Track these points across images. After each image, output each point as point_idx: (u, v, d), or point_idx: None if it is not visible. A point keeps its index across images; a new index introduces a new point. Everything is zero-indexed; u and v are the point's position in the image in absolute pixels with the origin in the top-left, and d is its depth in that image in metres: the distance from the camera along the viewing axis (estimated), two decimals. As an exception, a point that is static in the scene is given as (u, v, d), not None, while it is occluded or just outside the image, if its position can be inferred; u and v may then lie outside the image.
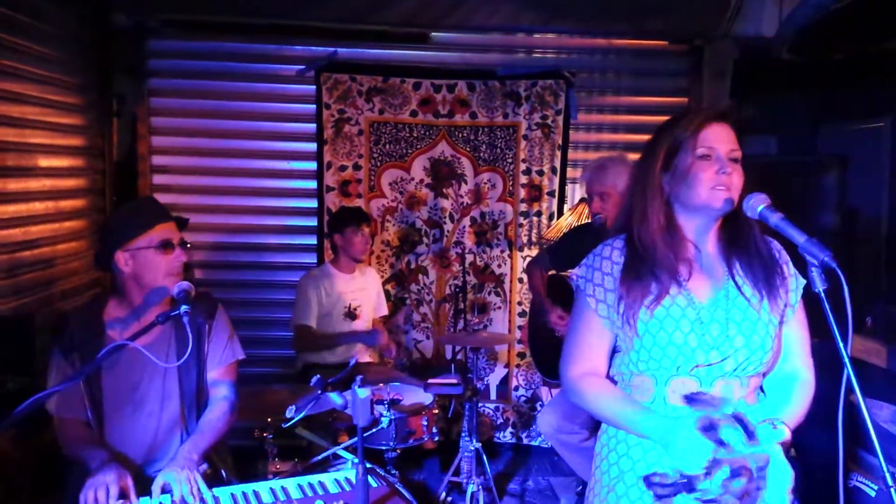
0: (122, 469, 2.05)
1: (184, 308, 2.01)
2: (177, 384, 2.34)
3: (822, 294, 1.43)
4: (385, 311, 4.23)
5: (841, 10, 3.64)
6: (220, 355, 2.44)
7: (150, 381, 2.31)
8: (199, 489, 2.05)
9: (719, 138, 1.65)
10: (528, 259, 4.23)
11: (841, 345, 1.39)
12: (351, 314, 3.91)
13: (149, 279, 2.24)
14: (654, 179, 1.69)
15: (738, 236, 1.72)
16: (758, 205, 1.59)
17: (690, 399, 1.53)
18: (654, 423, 1.61)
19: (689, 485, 1.46)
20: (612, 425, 1.75)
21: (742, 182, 1.64)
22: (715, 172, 1.62)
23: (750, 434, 1.46)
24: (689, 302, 1.66)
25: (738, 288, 1.69)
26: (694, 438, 1.47)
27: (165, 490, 2.04)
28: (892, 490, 1.32)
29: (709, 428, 1.46)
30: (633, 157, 3.50)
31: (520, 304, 4.62)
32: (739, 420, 1.47)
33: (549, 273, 3.68)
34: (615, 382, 1.81)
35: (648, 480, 1.54)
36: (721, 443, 1.44)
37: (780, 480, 1.53)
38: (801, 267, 1.52)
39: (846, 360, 1.39)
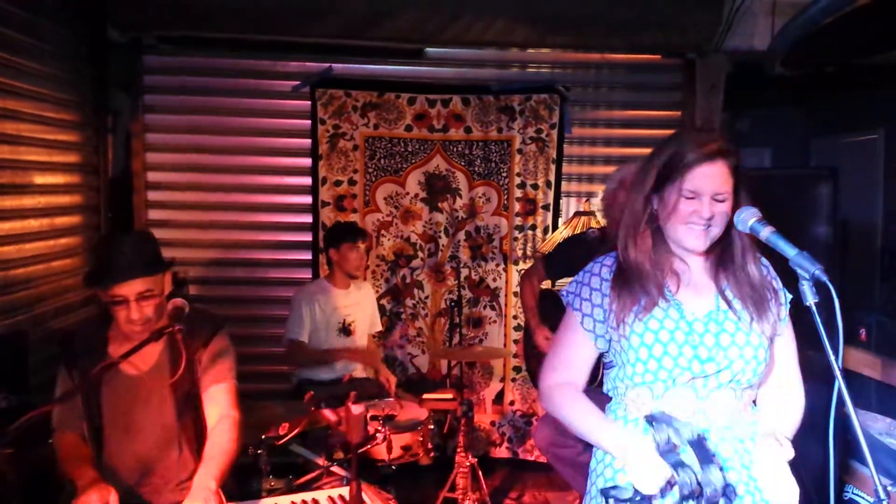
0: (106, 488, 2.04)
1: (176, 326, 2.01)
2: (173, 405, 2.31)
3: (814, 307, 1.43)
4: (379, 326, 4.22)
5: (833, 24, 3.66)
6: (220, 375, 2.39)
7: (146, 404, 2.29)
8: None
9: (707, 180, 1.63)
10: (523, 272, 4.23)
11: (832, 358, 1.38)
12: (345, 329, 3.90)
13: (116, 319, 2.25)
14: (645, 199, 1.72)
15: (726, 257, 1.73)
16: (749, 218, 1.59)
17: (652, 419, 1.53)
18: (615, 438, 1.62)
19: (643, 502, 1.45)
20: (580, 436, 1.76)
21: (726, 219, 1.65)
22: (690, 213, 1.64)
23: (710, 458, 1.45)
24: (682, 315, 1.68)
25: (729, 303, 1.71)
26: (652, 460, 1.47)
27: None
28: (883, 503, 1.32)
29: (669, 451, 1.45)
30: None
31: (515, 317, 4.61)
32: (700, 444, 1.46)
33: (542, 287, 3.68)
34: (610, 398, 1.82)
35: (606, 492, 1.54)
36: (680, 465, 1.43)
37: (786, 498, 1.53)
38: (793, 280, 1.52)
39: (837, 373, 1.38)
